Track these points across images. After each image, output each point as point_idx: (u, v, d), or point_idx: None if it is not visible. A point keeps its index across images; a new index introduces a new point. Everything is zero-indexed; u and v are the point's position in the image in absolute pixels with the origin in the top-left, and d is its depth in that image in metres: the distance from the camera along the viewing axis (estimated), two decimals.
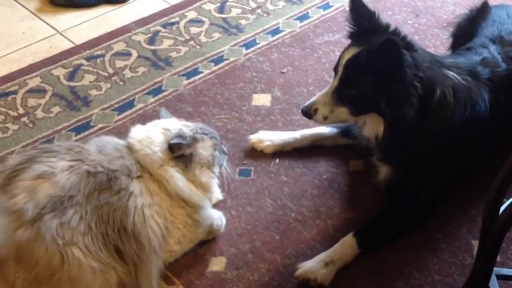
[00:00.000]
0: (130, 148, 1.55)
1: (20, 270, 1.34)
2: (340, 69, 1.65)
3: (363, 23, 1.66)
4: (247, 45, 2.41)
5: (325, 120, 1.70)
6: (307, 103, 1.72)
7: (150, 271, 1.50)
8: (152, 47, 2.42)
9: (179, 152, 1.54)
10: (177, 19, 2.57)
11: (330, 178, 1.89)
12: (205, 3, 2.65)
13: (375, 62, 1.54)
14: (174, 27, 2.52)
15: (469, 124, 1.64)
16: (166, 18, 2.57)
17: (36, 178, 1.38)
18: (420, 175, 1.70)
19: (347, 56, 1.63)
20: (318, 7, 2.59)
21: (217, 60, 2.35)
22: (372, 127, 1.68)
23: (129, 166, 1.51)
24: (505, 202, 1.23)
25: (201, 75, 2.28)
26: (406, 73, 1.54)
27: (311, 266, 1.61)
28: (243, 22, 2.54)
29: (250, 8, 2.61)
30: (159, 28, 2.52)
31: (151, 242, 1.48)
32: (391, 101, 1.57)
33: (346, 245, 1.65)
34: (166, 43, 2.44)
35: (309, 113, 1.70)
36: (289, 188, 1.86)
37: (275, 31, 2.47)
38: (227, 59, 2.35)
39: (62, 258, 1.35)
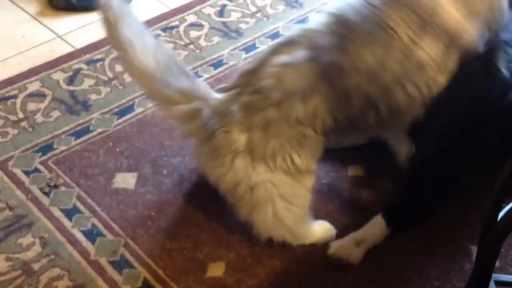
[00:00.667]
0: None
1: (264, 139, 1.48)
2: None
3: None
4: (247, 49, 2.41)
5: None
6: None
7: None
8: None
9: None
10: (177, 23, 2.57)
11: (329, 182, 1.89)
12: (205, 7, 2.65)
13: None
14: (174, 31, 2.52)
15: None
16: (166, 22, 2.57)
17: (282, 67, 1.47)
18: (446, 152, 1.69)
19: None
20: (318, 11, 2.59)
21: (217, 64, 2.35)
22: None
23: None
24: (504, 207, 1.22)
25: (200, 79, 2.27)
26: None
27: (342, 245, 1.65)
28: (243, 26, 2.54)
29: (250, 12, 2.61)
30: (159, 32, 2.51)
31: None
32: None
33: (376, 225, 1.68)
34: None
35: None
36: None
37: (275, 35, 2.47)
38: (227, 63, 2.35)
39: (304, 137, 1.49)
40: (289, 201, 1.57)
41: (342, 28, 1.50)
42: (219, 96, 1.57)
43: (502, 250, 1.64)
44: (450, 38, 1.51)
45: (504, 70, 1.62)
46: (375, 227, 1.69)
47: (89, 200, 1.83)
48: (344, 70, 1.47)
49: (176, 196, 1.84)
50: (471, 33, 1.52)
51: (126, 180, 1.89)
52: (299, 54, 1.47)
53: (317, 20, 1.57)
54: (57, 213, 1.79)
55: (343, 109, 1.51)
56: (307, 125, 1.50)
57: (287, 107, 1.46)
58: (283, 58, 1.48)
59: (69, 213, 1.80)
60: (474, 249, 1.67)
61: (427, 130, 1.68)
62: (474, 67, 1.59)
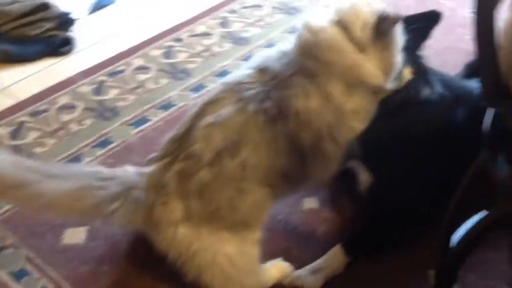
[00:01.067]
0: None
1: (201, 205, 1.46)
2: None
3: None
4: (196, 89, 2.38)
5: None
6: None
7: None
8: (99, 98, 2.37)
9: None
10: (123, 67, 2.52)
11: (285, 219, 1.85)
12: (151, 49, 2.62)
13: None
14: (120, 76, 2.48)
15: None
16: (112, 67, 2.52)
17: (208, 127, 1.46)
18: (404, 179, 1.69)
19: None
20: (263, 47, 2.57)
21: (166, 106, 2.31)
22: None
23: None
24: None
25: (150, 123, 2.24)
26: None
27: (299, 274, 1.65)
28: (190, 66, 2.51)
29: (196, 52, 2.58)
30: (105, 77, 2.47)
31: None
32: None
33: (334, 254, 1.67)
34: (113, 93, 2.39)
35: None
36: None
37: (223, 73, 2.45)
38: (176, 105, 2.31)
39: (242, 193, 1.47)
40: (236, 260, 1.52)
41: (267, 78, 1.49)
42: (147, 170, 1.52)
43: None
44: (369, 86, 1.52)
45: (438, 91, 1.64)
46: (334, 256, 1.67)
47: (38, 260, 1.74)
48: (271, 119, 1.46)
49: (128, 245, 1.77)
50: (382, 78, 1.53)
51: (75, 235, 1.82)
52: (224, 110, 1.47)
53: (240, 72, 1.56)
54: (4, 277, 1.70)
55: (274, 158, 1.48)
56: (242, 179, 1.47)
57: (218, 165, 1.44)
58: (209, 118, 1.47)
59: (18, 276, 1.71)
60: (432, 273, 1.64)
61: (384, 160, 1.68)
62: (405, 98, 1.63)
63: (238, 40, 2.63)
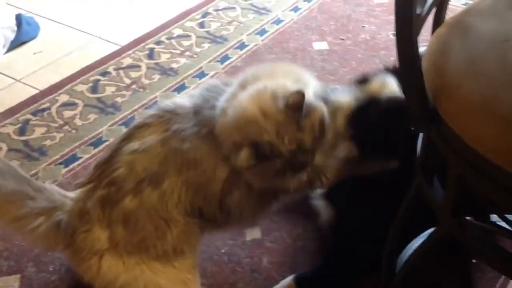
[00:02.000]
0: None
1: (127, 234, 1.41)
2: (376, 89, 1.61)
3: None
4: (127, 123, 2.32)
5: None
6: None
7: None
8: (23, 138, 2.27)
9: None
10: (47, 104, 2.44)
11: (228, 251, 1.82)
12: (76, 84, 2.54)
13: None
14: (45, 114, 2.39)
15: None
16: (36, 105, 2.43)
17: (132, 153, 1.43)
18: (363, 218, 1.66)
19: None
20: (193, 76, 2.57)
21: (96, 142, 2.24)
22: None
23: None
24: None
25: (80, 160, 2.17)
26: None
27: None
28: (119, 100, 2.46)
29: (124, 85, 2.54)
30: (29, 116, 2.37)
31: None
32: None
33: (284, 286, 1.65)
34: (39, 132, 2.30)
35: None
36: None
37: (153, 105, 2.41)
38: (107, 140, 2.25)
39: (167, 222, 1.43)
40: None
41: (197, 119, 1.46)
42: (72, 195, 1.48)
43: None
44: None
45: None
46: None
47: None
48: (186, 162, 1.43)
49: None
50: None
51: (8, 285, 1.72)
52: (150, 138, 1.44)
53: (180, 99, 1.54)
54: None
55: (193, 198, 1.46)
56: (166, 210, 1.43)
57: (141, 194, 1.41)
58: (134, 145, 1.44)
59: None
60: None
61: (346, 195, 1.67)
62: None
63: (167, 71, 2.60)
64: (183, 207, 1.45)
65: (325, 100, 1.51)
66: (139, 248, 1.44)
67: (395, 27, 0.92)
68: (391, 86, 1.64)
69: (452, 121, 0.98)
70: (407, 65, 0.97)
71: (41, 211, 1.42)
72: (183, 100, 1.54)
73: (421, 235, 1.47)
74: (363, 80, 1.69)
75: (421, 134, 1.21)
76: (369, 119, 1.58)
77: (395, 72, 1.65)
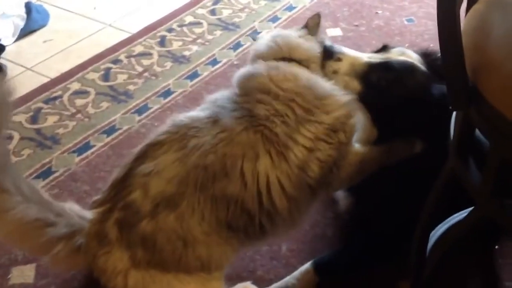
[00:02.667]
0: None
1: (146, 254, 1.38)
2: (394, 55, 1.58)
3: None
4: (140, 111, 2.30)
5: (332, 74, 1.56)
6: (337, 47, 1.61)
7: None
8: (36, 126, 2.24)
9: None
10: (59, 92, 2.41)
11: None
12: (87, 72, 2.51)
13: None
14: (57, 102, 2.36)
15: None
16: (47, 93, 2.40)
17: (147, 176, 1.39)
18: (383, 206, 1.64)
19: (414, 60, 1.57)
20: (206, 64, 2.53)
21: (109, 130, 2.21)
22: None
23: None
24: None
25: (93, 149, 2.13)
26: None
27: None
28: (131, 87, 2.42)
29: (136, 73, 2.50)
30: (41, 104, 2.34)
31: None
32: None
33: (303, 272, 1.63)
34: (51, 120, 2.27)
35: (332, 54, 1.58)
36: None
37: (167, 93, 2.38)
38: (120, 128, 2.22)
39: (185, 243, 1.38)
40: None
41: (217, 130, 1.42)
42: (89, 215, 1.44)
43: None
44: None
45: None
46: (303, 274, 1.63)
47: None
48: (211, 176, 1.38)
49: (81, 283, 1.67)
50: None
51: (23, 274, 1.69)
52: (164, 158, 1.39)
53: (193, 113, 1.49)
54: None
55: (218, 213, 1.40)
56: (185, 231, 1.38)
57: (157, 217, 1.37)
58: (147, 166, 1.39)
59: None
60: (402, 285, 1.64)
61: (365, 183, 1.61)
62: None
63: (179, 58, 2.57)
64: (209, 224, 1.40)
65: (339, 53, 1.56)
66: (162, 265, 1.41)
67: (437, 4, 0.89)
68: (410, 55, 1.60)
69: (495, 100, 0.94)
70: (448, 40, 0.93)
71: (61, 237, 1.40)
72: (196, 113, 1.49)
73: (448, 219, 1.45)
74: (383, 48, 1.66)
75: (453, 117, 1.18)
76: (381, 79, 1.54)
77: (424, 55, 1.62)
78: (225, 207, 1.40)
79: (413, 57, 1.60)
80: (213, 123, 1.43)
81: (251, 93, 1.46)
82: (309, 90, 1.45)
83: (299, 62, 1.55)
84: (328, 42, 1.64)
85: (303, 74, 1.50)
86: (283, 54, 1.56)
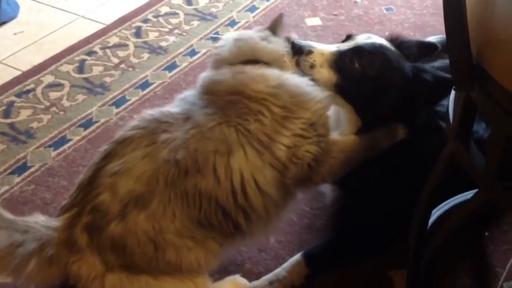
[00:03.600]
0: None
1: (118, 258, 1.34)
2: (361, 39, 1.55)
3: None
4: (117, 103, 2.23)
5: (310, 69, 1.52)
6: (304, 42, 1.55)
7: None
8: (9, 120, 2.15)
9: None
10: (32, 85, 2.32)
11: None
12: (61, 64, 2.42)
13: None
14: (30, 95, 2.27)
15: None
16: (20, 86, 2.31)
17: (115, 175, 1.33)
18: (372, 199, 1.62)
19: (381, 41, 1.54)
20: (184, 55, 2.47)
21: (86, 124, 2.14)
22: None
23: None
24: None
25: (70, 143, 2.06)
26: None
27: (255, 285, 1.57)
28: (107, 79, 2.35)
29: (112, 64, 2.42)
30: (13, 98, 2.25)
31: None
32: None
33: (293, 263, 1.60)
34: (24, 114, 2.18)
35: (301, 49, 1.52)
36: None
37: (145, 84, 2.31)
38: (97, 121, 2.15)
39: (156, 247, 1.33)
40: None
41: (188, 125, 1.37)
42: (56, 223, 1.39)
43: None
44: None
45: None
46: (293, 265, 1.61)
47: None
48: (183, 171, 1.33)
49: None
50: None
51: None
52: (132, 156, 1.34)
53: (164, 109, 1.45)
54: None
55: (190, 211, 1.35)
56: (160, 230, 1.33)
57: (127, 219, 1.32)
58: (115, 165, 1.33)
59: None
60: (393, 274, 1.63)
61: (352, 175, 1.57)
62: None
63: (156, 50, 2.50)
64: (181, 223, 1.34)
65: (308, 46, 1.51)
66: (135, 268, 1.36)
67: None
68: (377, 39, 1.58)
69: (501, 77, 0.92)
70: (452, 19, 0.90)
71: (31, 254, 1.34)
72: (168, 108, 1.45)
73: (444, 202, 1.43)
74: (348, 38, 1.63)
75: (452, 99, 1.15)
76: (353, 63, 1.51)
77: (391, 40, 1.59)
78: (198, 204, 1.35)
79: (380, 40, 1.58)
80: (185, 120, 1.38)
81: (220, 96, 1.41)
82: (282, 89, 1.41)
83: (268, 63, 1.49)
84: (294, 38, 1.59)
85: (272, 74, 1.44)
86: (247, 57, 1.49)
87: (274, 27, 1.59)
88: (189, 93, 1.49)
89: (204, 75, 1.51)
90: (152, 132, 1.36)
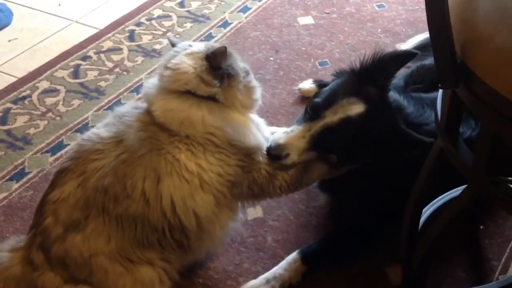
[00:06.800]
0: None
1: (69, 273, 1.44)
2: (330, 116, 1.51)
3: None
4: (112, 108, 2.22)
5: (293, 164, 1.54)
6: (275, 143, 1.52)
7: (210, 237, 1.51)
8: (5, 127, 2.17)
9: None
10: (28, 92, 2.33)
11: (231, 232, 1.76)
12: (56, 70, 2.44)
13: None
14: (26, 101, 2.28)
15: None
16: (15, 93, 2.33)
17: (55, 203, 1.43)
18: (360, 201, 1.64)
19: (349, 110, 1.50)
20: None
21: (82, 128, 2.15)
22: None
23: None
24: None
25: (67, 148, 2.07)
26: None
27: (253, 284, 1.59)
28: (102, 84, 2.36)
29: (107, 69, 2.44)
30: (9, 105, 2.27)
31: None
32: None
33: (290, 261, 1.62)
34: (21, 120, 2.20)
35: (279, 156, 1.51)
36: None
37: (139, 88, 2.33)
38: (93, 126, 2.13)
39: (90, 270, 1.43)
40: None
41: (119, 150, 1.42)
42: (20, 244, 1.50)
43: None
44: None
45: None
46: (290, 263, 1.63)
47: None
48: (113, 197, 1.40)
49: None
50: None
51: None
52: (68, 185, 1.43)
53: (96, 131, 1.49)
54: None
55: (126, 233, 1.42)
56: (92, 254, 1.41)
57: (67, 241, 1.41)
58: (56, 193, 1.44)
59: None
60: (389, 270, 1.65)
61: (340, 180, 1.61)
62: None
63: (150, 53, 2.51)
64: (116, 245, 1.41)
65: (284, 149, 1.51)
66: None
67: None
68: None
69: (485, 75, 0.93)
70: (435, 17, 0.92)
71: None
72: (100, 130, 1.48)
73: (434, 200, 1.44)
74: (314, 113, 1.56)
75: (439, 96, 1.17)
76: (326, 142, 1.51)
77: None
78: (133, 225, 1.41)
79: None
80: (117, 143, 1.44)
81: (154, 124, 1.44)
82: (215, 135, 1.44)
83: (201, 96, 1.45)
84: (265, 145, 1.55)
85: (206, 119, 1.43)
86: (178, 89, 1.44)
87: (214, 58, 1.44)
88: (127, 110, 1.51)
89: (146, 90, 1.50)
90: (84, 162, 1.43)
